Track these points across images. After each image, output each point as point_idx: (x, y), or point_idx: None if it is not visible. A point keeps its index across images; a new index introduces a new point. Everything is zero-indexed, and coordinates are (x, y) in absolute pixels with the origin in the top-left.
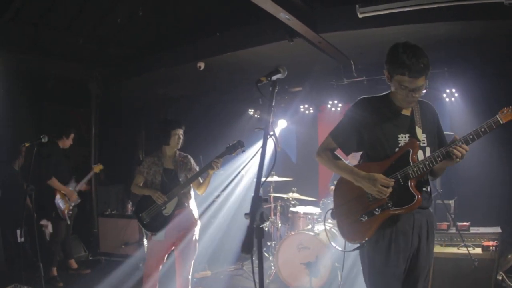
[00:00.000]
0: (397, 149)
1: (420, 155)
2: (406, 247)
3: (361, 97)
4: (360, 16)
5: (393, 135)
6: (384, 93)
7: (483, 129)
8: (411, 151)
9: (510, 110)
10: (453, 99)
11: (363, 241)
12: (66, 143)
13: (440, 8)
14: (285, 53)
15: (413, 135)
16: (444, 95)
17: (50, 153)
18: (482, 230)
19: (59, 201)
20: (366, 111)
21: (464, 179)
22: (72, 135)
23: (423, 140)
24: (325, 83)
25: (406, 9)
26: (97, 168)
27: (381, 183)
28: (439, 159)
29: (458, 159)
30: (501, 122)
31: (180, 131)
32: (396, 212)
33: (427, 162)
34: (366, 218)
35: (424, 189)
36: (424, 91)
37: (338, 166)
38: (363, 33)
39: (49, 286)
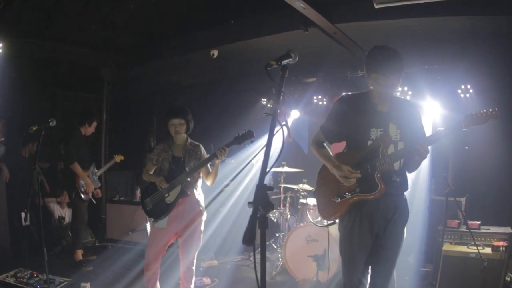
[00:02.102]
0: (370, 142)
1: (392, 149)
2: (371, 228)
3: (343, 94)
4: (377, 7)
5: (366, 129)
6: (365, 91)
7: (445, 132)
8: (382, 145)
9: (474, 116)
10: (468, 95)
11: (334, 219)
12: (88, 130)
13: (457, 2)
14: (300, 43)
15: (386, 131)
16: (459, 91)
17: (71, 139)
18: (493, 229)
19: (80, 183)
20: (346, 106)
21: (476, 177)
22: (94, 123)
23: (396, 135)
24: (339, 75)
25: (422, 1)
26: (118, 158)
27: (345, 174)
28: (402, 155)
29: (418, 157)
30: (463, 128)
31: (176, 121)
32: (362, 197)
33: (393, 157)
34: (338, 199)
35: (393, 178)
36: (400, 89)
37: (322, 154)
38: (379, 25)
39: (76, 271)
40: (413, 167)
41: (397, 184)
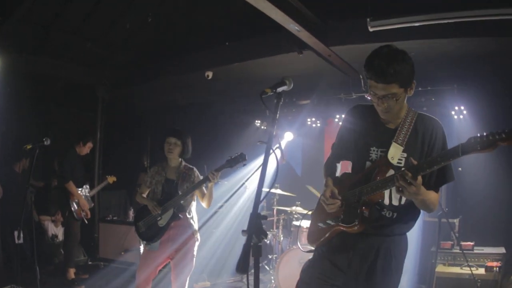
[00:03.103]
0: (368, 163)
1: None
2: (342, 265)
3: (356, 104)
4: (371, 29)
5: (365, 147)
6: None
7: (439, 159)
8: (377, 169)
9: (478, 141)
10: (461, 116)
11: (314, 247)
12: (83, 150)
13: (451, 24)
14: (294, 65)
15: (387, 152)
16: (453, 112)
17: (66, 157)
18: (486, 250)
19: (73, 202)
20: (352, 118)
21: (469, 198)
22: (89, 144)
23: (400, 159)
24: (333, 97)
25: (417, 24)
26: (111, 179)
27: (324, 196)
28: (390, 183)
29: (401, 191)
30: (460, 155)
31: (172, 140)
32: (343, 228)
33: (379, 184)
34: (322, 226)
35: (383, 213)
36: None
37: (324, 173)
38: (373, 47)
39: None
40: (419, 204)
41: (389, 221)
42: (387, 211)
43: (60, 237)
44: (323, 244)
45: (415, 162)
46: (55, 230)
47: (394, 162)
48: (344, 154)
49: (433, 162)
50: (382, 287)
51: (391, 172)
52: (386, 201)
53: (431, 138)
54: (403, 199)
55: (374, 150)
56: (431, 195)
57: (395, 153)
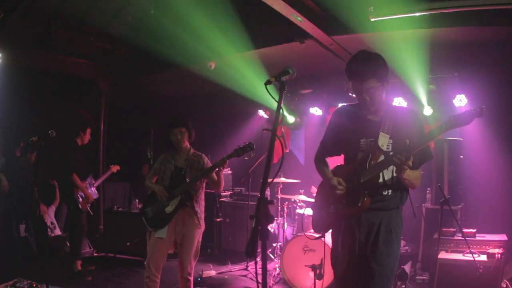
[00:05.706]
0: (360, 153)
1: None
2: (352, 245)
3: (340, 105)
4: (372, 20)
5: (355, 140)
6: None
7: (428, 136)
8: (370, 156)
9: (456, 117)
10: (462, 104)
11: (322, 233)
12: (85, 138)
13: (451, 13)
14: (296, 54)
15: (376, 140)
16: (454, 100)
17: (68, 151)
18: (488, 237)
19: (78, 194)
20: (339, 118)
21: (471, 185)
22: (89, 130)
23: (388, 145)
24: (336, 86)
25: (417, 14)
26: (115, 168)
27: (332, 186)
28: (386, 164)
29: (396, 173)
30: (445, 131)
31: (177, 130)
32: (348, 211)
33: (376, 167)
34: (328, 212)
35: (383, 192)
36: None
37: (320, 169)
38: (375, 37)
39: (75, 282)
40: (407, 183)
41: (385, 197)
42: (383, 189)
43: (57, 226)
44: (333, 228)
45: (408, 142)
46: (52, 216)
47: (384, 148)
48: (335, 149)
49: (422, 142)
50: (385, 257)
51: (383, 157)
52: (381, 181)
53: (409, 123)
54: (393, 175)
55: (364, 141)
56: (414, 172)
57: (384, 141)
